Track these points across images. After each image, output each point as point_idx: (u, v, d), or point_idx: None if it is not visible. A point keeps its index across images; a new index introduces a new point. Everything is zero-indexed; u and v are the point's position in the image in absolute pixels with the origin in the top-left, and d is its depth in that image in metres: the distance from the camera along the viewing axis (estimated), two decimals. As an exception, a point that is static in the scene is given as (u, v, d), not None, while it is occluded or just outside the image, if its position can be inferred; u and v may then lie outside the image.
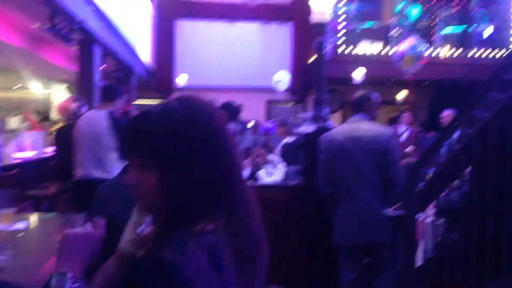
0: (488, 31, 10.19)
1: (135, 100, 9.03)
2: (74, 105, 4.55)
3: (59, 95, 11.32)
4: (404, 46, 7.70)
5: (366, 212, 3.11)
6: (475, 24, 9.89)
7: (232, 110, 6.13)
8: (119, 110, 4.08)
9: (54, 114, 10.09)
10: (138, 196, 1.00)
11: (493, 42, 10.16)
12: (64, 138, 4.23)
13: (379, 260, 3.21)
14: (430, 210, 3.05)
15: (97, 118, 3.90)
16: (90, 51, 5.51)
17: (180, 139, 0.95)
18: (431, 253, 3.02)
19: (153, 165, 0.95)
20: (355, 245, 3.23)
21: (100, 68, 5.80)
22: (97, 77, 5.61)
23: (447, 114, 7.98)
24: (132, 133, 1.00)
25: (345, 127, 3.34)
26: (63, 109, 4.78)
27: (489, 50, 9.84)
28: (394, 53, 8.05)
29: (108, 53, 6.29)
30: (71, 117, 4.49)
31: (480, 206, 2.16)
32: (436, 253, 2.68)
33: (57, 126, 5.67)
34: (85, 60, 5.53)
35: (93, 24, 5.08)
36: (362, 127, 3.23)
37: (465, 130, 2.25)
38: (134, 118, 1.02)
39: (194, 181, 0.94)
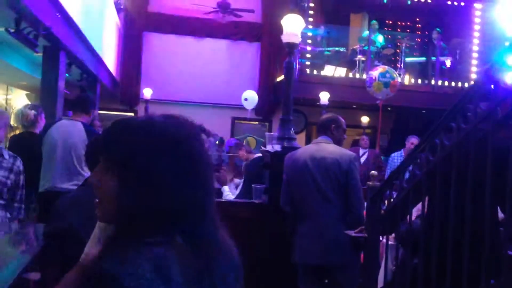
0: (448, 62, 10.61)
1: (98, 110, 8.87)
2: (32, 113, 4.40)
3: (18, 101, 10.99)
4: (374, 72, 7.90)
5: (326, 232, 3.14)
6: (437, 56, 10.26)
7: None
8: (91, 121, 4.04)
9: (12, 121, 9.76)
10: (98, 202, 0.99)
11: (454, 73, 10.59)
12: (21, 146, 4.10)
13: (338, 281, 3.23)
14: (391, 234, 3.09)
15: (72, 129, 3.82)
16: (56, 58, 5.39)
17: (149, 153, 0.93)
18: (392, 276, 3.06)
19: (115, 171, 0.94)
20: (314, 265, 3.25)
21: (65, 76, 5.68)
22: (62, 85, 5.49)
23: (411, 143, 8.24)
24: (107, 134, 1.00)
25: (310, 148, 3.39)
26: (21, 117, 4.63)
27: (448, 81, 10.24)
28: (365, 78, 8.24)
29: (73, 61, 6.17)
30: (29, 124, 4.36)
31: (441, 231, 2.20)
32: (397, 277, 2.72)
33: (12, 133, 5.50)
34: (50, 67, 5.40)
35: (60, 31, 4.98)
36: (326, 148, 3.28)
37: (428, 156, 2.30)
38: (117, 121, 1.02)
39: (155, 196, 0.92)
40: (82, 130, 3.79)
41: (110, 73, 9.30)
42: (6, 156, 3.23)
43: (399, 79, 8.08)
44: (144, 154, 0.93)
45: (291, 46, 3.86)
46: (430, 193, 2.28)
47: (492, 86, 1.93)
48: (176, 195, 0.93)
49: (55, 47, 5.29)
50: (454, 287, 2.03)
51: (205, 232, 0.96)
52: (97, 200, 0.99)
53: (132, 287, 0.83)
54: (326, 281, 3.36)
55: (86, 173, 3.57)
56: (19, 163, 3.28)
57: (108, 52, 8.93)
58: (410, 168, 2.49)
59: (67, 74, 6.05)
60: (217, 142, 8.37)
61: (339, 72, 10.18)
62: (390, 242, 3.25)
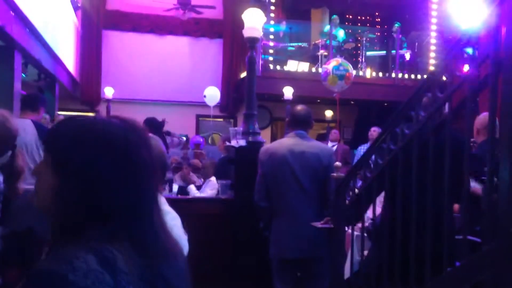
0: (407, 55, 10.84)
1: (58, 111, 8.64)
2: None
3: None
4: (328, 66, 7.95)
5: (303, 226, 3.14)
6: (396, 49, 10.47)
7: (155, 125, 6.11)
8: (42, 119, 3.90)
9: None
10: (35, 192, 1.00)
11: (413, 66, 10.83)
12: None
13: (313, 273, 3.26)
14: (357, 224, 3.13)
15: (22, 127, 3.68)
16: (11, 58, 5.22)
17: (86, 151, 0.95)
18: (358, 267, 3.10)
19: (54, 165, 0.96)
20: (290, 259, 3.26)
21: (22, 76, 5.51)
22: (18, 86, 5.31)
23: (373, 130, 8.38)
24: (50, 130, 1.02)
25: (286, 142, 3.36)
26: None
27: (408, 74, 10.46)
28: (321, 72, 8.30)
29: (30, 61, 5.99)
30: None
31: (403, 221, 2.25)
32: (363, 268, 2.76)
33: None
34: (4, 67, 5.22)
35: (14, 29, 4.82)
36: (303, 143, 3.27)
37: (389, 145, 2.34)
38: (63, 119, 1.04)
39: (89, 195, 0.93)
40: (32, 127, 3.62)
41: (69, 72, 9.08)
42: None
43: (353, 71, 8.16)
44: (80, 152, 0.94)
45: (253, 40, 3.86)
46: (392, 182, 2.32)
47: (447, 75, 1.98)
48: (109, 194, 0.94)
49: (10, 46, 5.12)
50: (418, 274, 2.07)
51: (142, 233, 0.97)
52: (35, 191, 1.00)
53: (79, 281, 0.84)
54: (299, 274, 3.39)
55: None
56: None
57: (67, 51, 8.71)
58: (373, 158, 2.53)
59: (23, 75, 5.87)
60: (184, 142, 8.30)
61: (302, 67, 10.25)
62: (356, 233, 3.30)
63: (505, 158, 1.60)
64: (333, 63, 7.96)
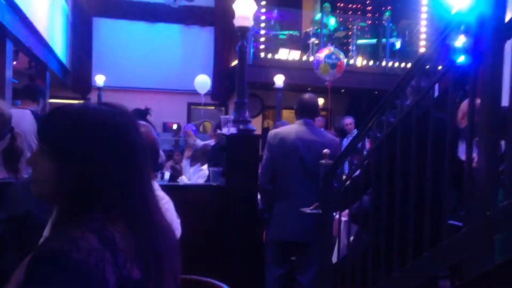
0: (398, 44, 10.90)
1: (49, 99, 8.63)
2: None
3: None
4: (320, 54, 8.00)
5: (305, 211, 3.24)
6: (387, 37, 10.52)
7: (139, 114, 6.17)
8: (41, 110, 3.96)
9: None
10: (32, 181, 1.04)
11: (404, 54, 10.90)
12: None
13: (306, 257, 3.36)
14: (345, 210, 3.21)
15: (21, 117, 3.73)
16: (2, 46, 5.21)
17: (79, 137, 0.99)
18: (345, 252, 3.19)
19: (51, 154, 0.99)
20: (289, 242, 3.37)
21: (13, 64, 5.50)
22: (9, 74, 5.31)
23: (349, 122, 8.51)
24: (43, 119, 1.07)
25: (296, 128, 3.47)
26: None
27: (398, 62, 10.53)
28: (312, 61, 8.34)
29: (21, 49, 5.98)
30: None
31: (387, 207, 2.32)
32: (349, 252, 2.85)
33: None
34: (-5, 55, 5.22)
35: (5, 17, 4.82)
36: (311, 131, 3.40)
37: (375, 133, 2.41)
38: (54, 107, 1.07)
39: (86, 178, 0.98)
40: (31, 118, 3.72)
41: (59, 60, 9.05)
42: None
43: (345, 60, 8.22)
44: (74, 139, 0.99)
45: (243, 30, 3.89)
46: (378, 168, 2.39)
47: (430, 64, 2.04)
48: (105, 176, 0.99)
49: (1, 34, 5.11)
50: (402, 259, 2.15)
51: (136, 211, 1.02)
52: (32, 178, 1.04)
53: (83, 259, 0.88)
54: (293, 258, 3.50)
55: None
56: None
57: (57, 39, 8.68)
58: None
59: (14, 63, 5.86)
60: (193, 128, 8.27)
61: (293, 55, 10.28)
62: (343, 219, 3.38)
63: (482, 142, 1.67)
64: (325, 51, 8.01)
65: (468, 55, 1.86)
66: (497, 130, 1.66)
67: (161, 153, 6.50)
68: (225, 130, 3.91)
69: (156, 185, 1.86)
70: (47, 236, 1.00)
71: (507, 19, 1.72)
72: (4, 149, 2.31)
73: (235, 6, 3.89)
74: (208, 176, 4.16)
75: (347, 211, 2.95)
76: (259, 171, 3.68)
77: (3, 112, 2.49)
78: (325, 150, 3.01)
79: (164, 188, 1.86)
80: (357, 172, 2.66)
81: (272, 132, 3.56)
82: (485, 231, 1.63)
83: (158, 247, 1.03)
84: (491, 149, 1.66)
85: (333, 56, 7.85)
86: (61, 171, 0.98)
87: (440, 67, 2.02)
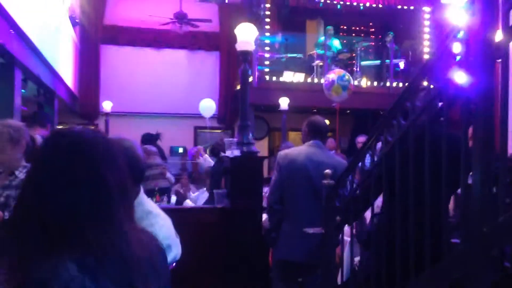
0: (402, 64, 10.98)
1: (58, 125, 8.75)
2: None
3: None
4: (330, 75, 8.08)
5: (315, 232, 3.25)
6: (390, 58, 10.61)
7: (149, 139, 6.33)
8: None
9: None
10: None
11: (407, 74, 10.96)
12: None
13: (312, 278, 3.36)
14: (348, 230, 3.22)
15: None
16: (11, 75, 5.33)
17: (45, 167, 0.99)
18: (349, 274, 3.18)
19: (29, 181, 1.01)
20: (295, 262, 3.37)
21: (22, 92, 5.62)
22: (18, 102, 5.43)
23: (362, 140, 8.52)
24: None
25: (305, 150, 3.51)
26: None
27: (402, 83, 10.58)
28: (323, 82, 8.41)
29: (29, 77, 6.11)
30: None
31: (389, 229, 2.33)
32: (353, 276, 2.85)
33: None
34: (5, 84, 5.33)
35: (14, 47, 4.95)
36: (322, 153, 3.44)
37: (374, 153, 2.44)
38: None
39: (48, 208, 0.96)
40: (41, 142, 3.86)
41: (68, 87, 9.21)
42: None
43: (353, 82, 8.32)
44: (42, 164, 1.00)
45: (245, 54, 3.98)
46: (377, 188, 2.41)
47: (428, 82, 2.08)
48: (70, 204, 0.97)
49: (10, 63, 5.24)
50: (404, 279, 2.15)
51: (112, 240, 0.99)
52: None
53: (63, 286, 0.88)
54: (300, 279, 3.50)
55: None
56: None
57: (66, 66, 8.85)
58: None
59: (23, 90, 5.99)
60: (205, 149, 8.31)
61: (298, 77, 10.38)
62: (346, 239, 3.38)
63: (476, 159, 1.70)
64: (337, 73, 8.11)
65: (462, 74, 1.90)
66: (491, 146, 1.69)
67: (170, 176, 6.58)
68: (228, 153, 3.96)
69: (150, 203, 1.89)
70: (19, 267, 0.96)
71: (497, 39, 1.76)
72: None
73: (237, 31, 3.98)
74: (210, 196, 4.20)
75: (349, 231, 2.96)
76: (263, 192, 3.71)
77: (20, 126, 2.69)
78: (326, 171, 3.04)
79: (169, 210, 1.89)
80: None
81: (282, 153, 3.60)
82: (483, 248, 1.64)
83: (132, 278, 1.00)
84: (485, 165, 1.68)
85: (345, 78, 7.96)
86: (29, 194, 0.99)
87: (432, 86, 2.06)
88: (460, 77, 1.91)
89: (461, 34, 1.94)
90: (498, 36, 1.80)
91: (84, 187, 0.99)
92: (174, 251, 1.73)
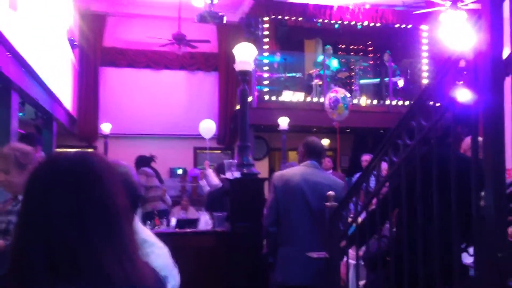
0: (400, 82, 10.98)
1: (56, 148, 8.68)
2: None
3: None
4: (333, 94, 8.09)
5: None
6: (389, 76, 10.61)
7: (144, 161, 6.33)
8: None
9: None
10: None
11: (407, 92, 10.96)
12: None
13: None
14: (352, 253, 3.13)
15: None
16: (7, 98, 5.28)
17: (39, 191, 0.93)
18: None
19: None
20: (295, 286, 3.27)
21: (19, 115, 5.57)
22: (15, 125, 5.36)
23: (366, 159, 8.46)
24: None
25: (300, 170, 3.44)
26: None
27: (402, 101, 10.57)
28: (324, 101, 8.41)
29: (27, 100, 6.06)
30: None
31: (396, 249, 2.25)
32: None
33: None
34: (1, 107, 5.28)
35: (11, 70, 4.90)
36: (318, 173, 3.38)
37: (379, 174, 2.37)
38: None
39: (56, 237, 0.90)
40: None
41: (66, 110, 9.16)
42: None
43: (353, 101, 8.39)
44: (34, 193, 0.94)
45: (244, 74, 3.93)
46: (383, 209, 2.34)
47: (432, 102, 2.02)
48: (63, 236, 0.90)
49: (7, 87, 5.19)
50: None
51: (92, 273, 0.90)
52: None
53: None
54: None
55: None
56: None
57: (64, 89, 8.81)
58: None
59: (20, 114, 5.94)
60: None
61: (297, 97, 10.36)
62: (352, 262, 3.29)
63: (489, 180, 1.62)
64: (340, 93, 8.16)
65: (468, 92, 1.84)
66: (502, 166, 1.61)
67: (168, 198, 6.48)
68: (228, 174, 3.89)
69: (145, 230, 1.81)
70: None
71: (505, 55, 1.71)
72: None
73: (235, 51, 3.94)
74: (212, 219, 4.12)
75: (354, 254, 2.87)
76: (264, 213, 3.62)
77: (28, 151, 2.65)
78: (329, 192, 2.96)
79: (169, 234, 1.82)
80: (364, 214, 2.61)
81: (277, 174, 3.52)
82: (499, 275, 1.56)
83: None
84: (498, 186, 1.61)
85: (347, 98, 8.03)
86: (21, 224, 0.95)
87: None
88: (467, 95, 1.85)
89: (467, 51, 1.89)
90: (506, 52, 1.75)
91: (92, 213, 0.93)
92: (172, 282, 1.65)
